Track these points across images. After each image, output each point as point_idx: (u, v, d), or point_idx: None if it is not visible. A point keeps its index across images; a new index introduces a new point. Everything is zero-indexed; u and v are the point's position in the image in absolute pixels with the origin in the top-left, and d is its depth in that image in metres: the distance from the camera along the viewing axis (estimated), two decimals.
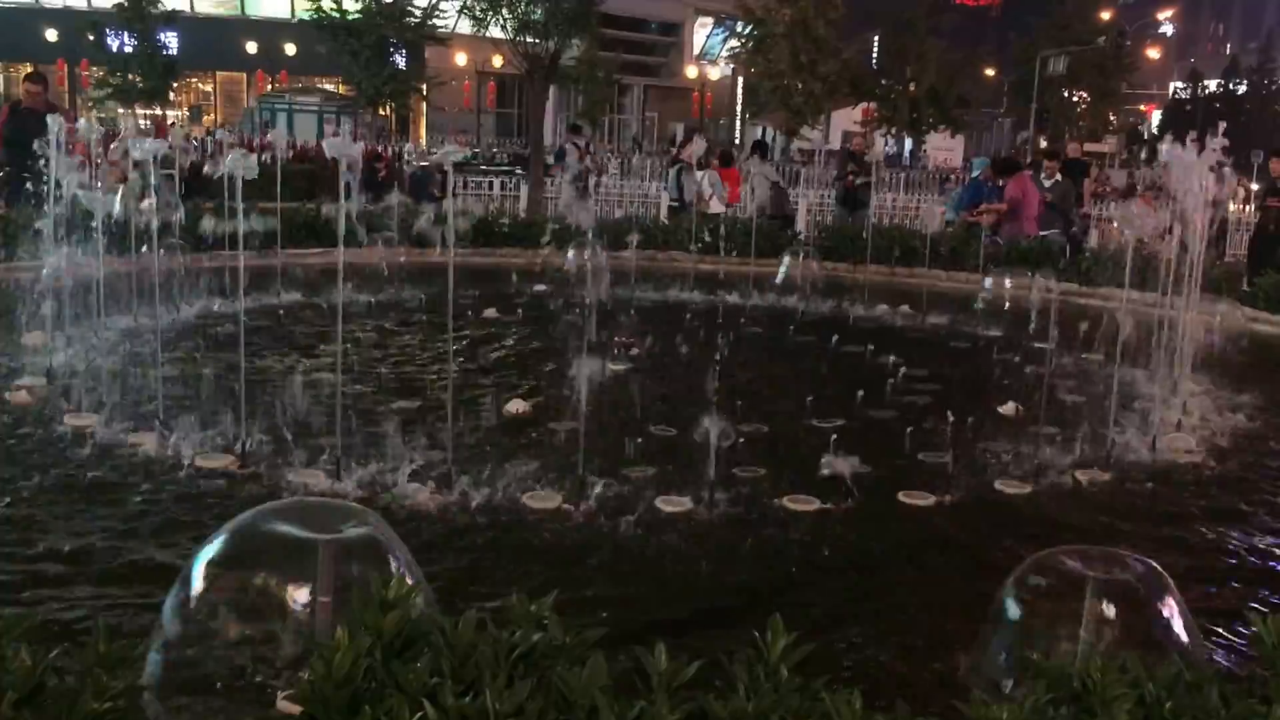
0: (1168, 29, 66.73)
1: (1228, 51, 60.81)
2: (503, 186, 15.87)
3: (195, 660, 1.85)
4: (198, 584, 1.87)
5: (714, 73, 44.24)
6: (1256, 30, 61.68)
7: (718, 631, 2.59)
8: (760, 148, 12.77)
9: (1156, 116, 54.36)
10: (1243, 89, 48.37)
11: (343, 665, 1.54)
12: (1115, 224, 11.33)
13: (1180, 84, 54.17)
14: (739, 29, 31.23)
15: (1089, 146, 18.88)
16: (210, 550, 1.89)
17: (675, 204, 11.41)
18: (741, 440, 4.18)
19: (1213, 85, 49.91)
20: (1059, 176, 10.47)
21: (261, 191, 7.95)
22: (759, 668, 1.69)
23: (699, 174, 10.53)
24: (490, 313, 7.13)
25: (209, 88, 37.82)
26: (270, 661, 1.84)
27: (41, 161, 5.67)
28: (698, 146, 9.90)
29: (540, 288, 8.15)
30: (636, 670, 1.65)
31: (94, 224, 5.09)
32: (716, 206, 10.63)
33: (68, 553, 2.90)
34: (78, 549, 2.94)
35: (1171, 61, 61.12)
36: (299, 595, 1.82)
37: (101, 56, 29.23)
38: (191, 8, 33.48)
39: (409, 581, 1.73)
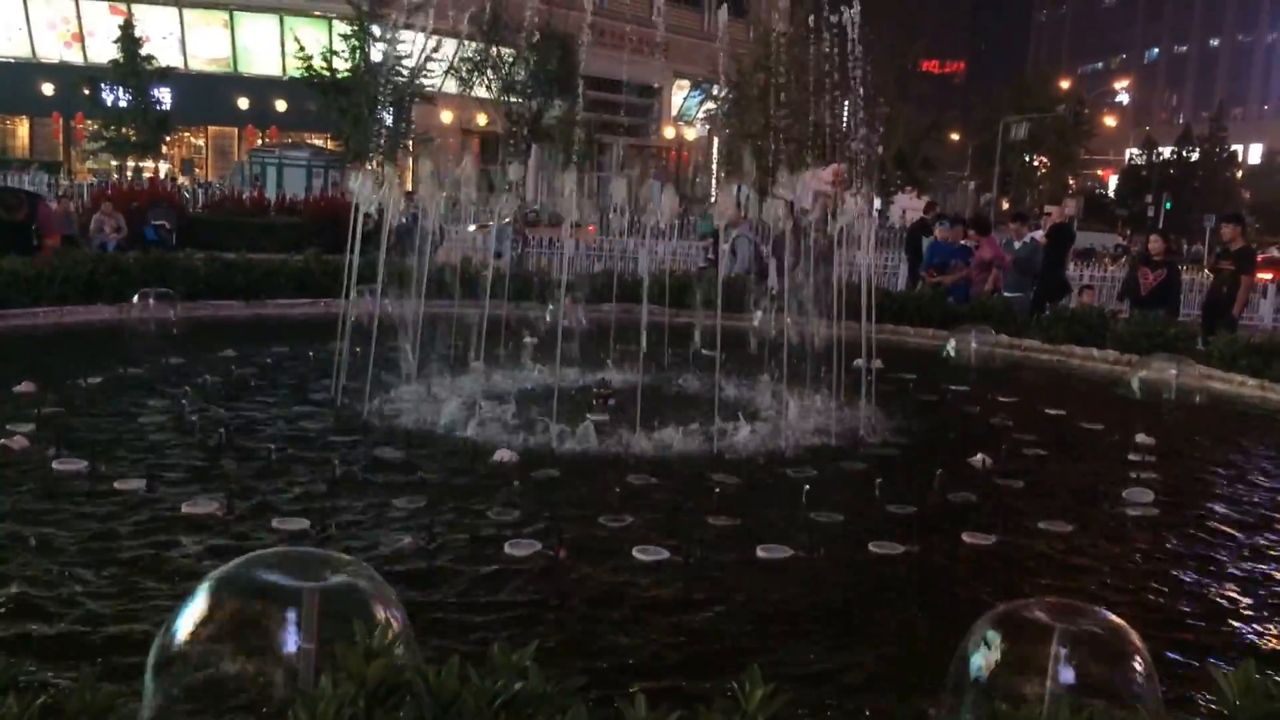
0: (1124, 98, 69.92)
1: (1181, 120, 63.67)
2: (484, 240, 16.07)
3: (178, 708, 1.84)
4: (182, 632, 1.88)
5: (690, 133, 45.51)
6: (1209, 100, 64.78)
7: (695, 679, 2.61)
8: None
9: (1114, 181, 56.53)
10: (1195, 156, 50.41)
11: (326, 714, 1.55)
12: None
13: (1136, 150, 56.35)
14: (715, 92, 32.29)
15: (1048, 208, 19.66)
16: (195, 599, 1.91)
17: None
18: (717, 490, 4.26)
19: (1167, 152, 51.95)
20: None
21: (251, 243, 8.03)
22: (736, 718, 1.71)
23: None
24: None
25: (201, 141, 38.07)
26: (254, 710, 1.84)
27: None
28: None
29: (528, 339, 8.24)
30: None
31: None
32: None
33: None
34: None
35: (1128, 129, 63.79)
36: (283, 643, 1.84)
37: (96, 110, 29.51)
38: (185, 64, 33.97)
39: (394, 629, 1.76)
